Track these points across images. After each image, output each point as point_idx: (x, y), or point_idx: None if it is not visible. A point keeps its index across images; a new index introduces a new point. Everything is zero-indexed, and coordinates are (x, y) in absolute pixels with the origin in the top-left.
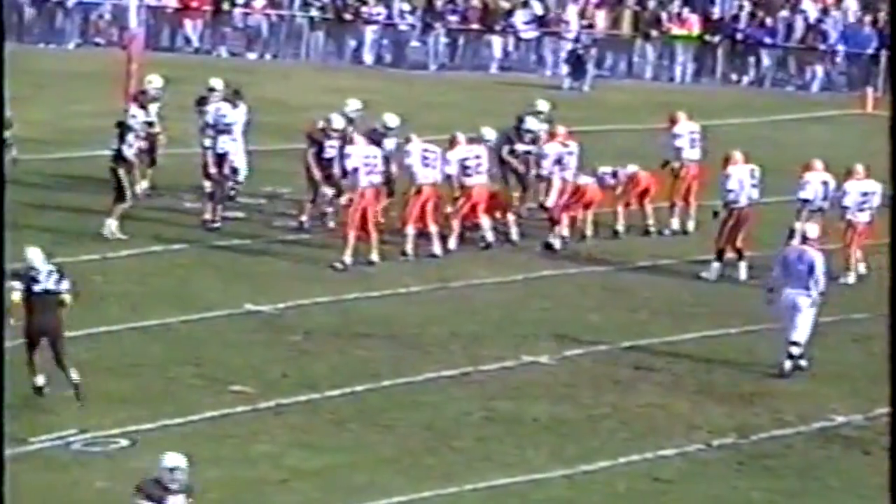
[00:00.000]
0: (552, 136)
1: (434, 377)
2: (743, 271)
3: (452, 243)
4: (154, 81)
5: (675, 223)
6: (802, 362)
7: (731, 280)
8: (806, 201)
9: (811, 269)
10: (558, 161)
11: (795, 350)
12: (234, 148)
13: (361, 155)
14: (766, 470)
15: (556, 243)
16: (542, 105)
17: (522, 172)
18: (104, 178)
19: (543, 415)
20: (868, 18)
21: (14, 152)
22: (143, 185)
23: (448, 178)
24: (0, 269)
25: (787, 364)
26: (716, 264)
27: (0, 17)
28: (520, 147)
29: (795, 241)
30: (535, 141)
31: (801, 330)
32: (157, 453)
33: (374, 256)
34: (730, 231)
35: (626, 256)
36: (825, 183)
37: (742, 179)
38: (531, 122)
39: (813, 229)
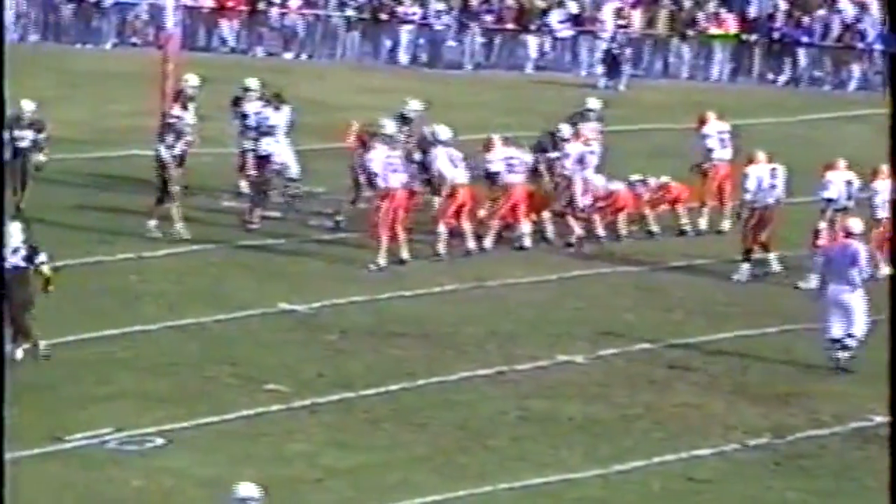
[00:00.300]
0: (577, 135)
1: (468, 376)
2: (775, 264)
3: (488, 243)
4: (191, 80)
5: (703, 223)
6: (846, 354)
7: (765, 280)
8: (830, 200)
9: (854, 261)
10: (580, 161)
11: (850, 342)
12: (279, 150)
13: (382, 158)
14: (802, 470)
15: (576, 239)
16: (593, 103)
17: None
18: (140, 178)
19: (578, 414)
20: None
21: (42, 157)
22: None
23: (486, 177)
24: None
25: (841, 354)
26: (745, 265)
27: (0, 17)
28: (553, 155)
29: (840, 237)
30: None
31: (858, 324)
32: (193, 452)
33: (405, 254)
34: (753, 230)
35: (659, 256)
36: (849, 182)
37: (762, 178)
38: (565, 130)
39: (857, 224)
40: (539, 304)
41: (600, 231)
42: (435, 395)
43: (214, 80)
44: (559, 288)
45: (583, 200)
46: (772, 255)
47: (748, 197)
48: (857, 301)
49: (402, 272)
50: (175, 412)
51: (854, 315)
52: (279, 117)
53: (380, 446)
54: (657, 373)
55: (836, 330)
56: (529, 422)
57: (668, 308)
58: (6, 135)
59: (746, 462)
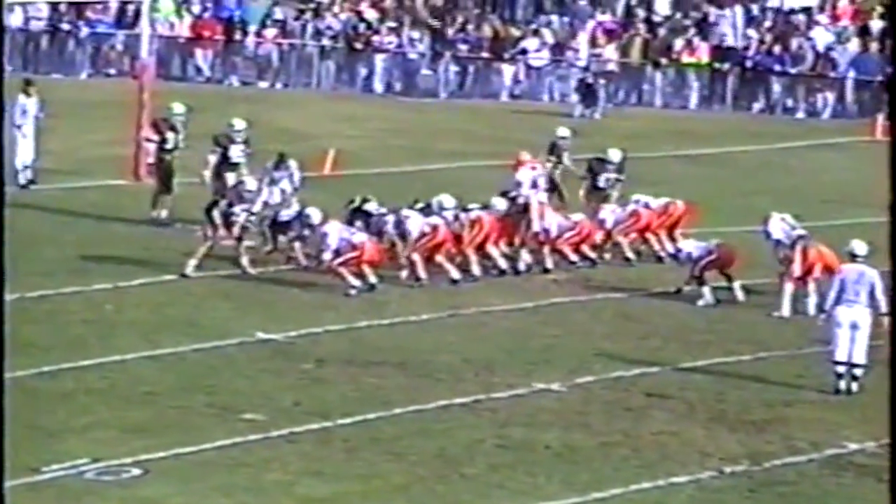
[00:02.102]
0: (520, 163)
1: (446, 405)
2: (739, 293)
3: (476, 270)
4: (175, 108)
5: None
6: (854, 385)
7: (742, 307)
8: (778, 242)
9: (872, 290)
10: (534, 185)
11: (858, 371)
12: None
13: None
14: (779, 497)
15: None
16: (563, 131)
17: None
18: (116, 207)
19: (555, 442)
20: (876, 46)
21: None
22: (162, 213)
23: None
24: (0, 273)
25: (843, 383)
26: (703, 289)
27: (0, 17)
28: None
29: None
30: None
31: (860, 348)
32: (170, 482)
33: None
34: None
35: (637, 283)
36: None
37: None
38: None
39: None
40: (516, 332)
41: (572, 257)
42: (412, 424)
43: (190, 109)
44: (536, 315)
45: (542, 224)
46: (736, 285)
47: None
48: (866, 321)
49: (379, 301)
50: (152, 442)
51: (859, 334)
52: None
53: (357, 475)
54: (635, 400)
55: (842, 353)
56: (507, 450)
57: (646, 335)
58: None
59: (724, 489)
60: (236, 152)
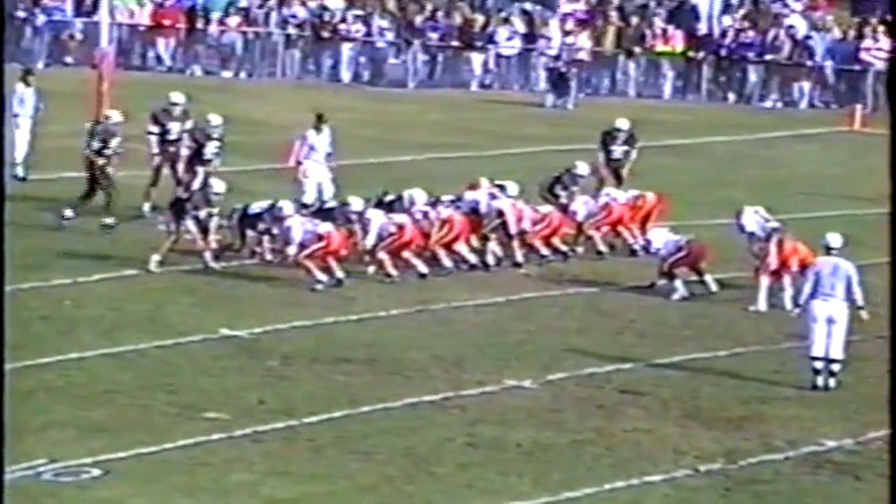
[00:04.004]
0: (473, 187)
1: (414, 402)
2: (712, 284)
3: (447, 262)
4: (174, 98)
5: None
6: (831, 381)
7: (718, 301)
8: (752, 234)
9: (849, 283)
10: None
11: (836, 367)
12: (318, 170)
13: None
14: (755, 496)
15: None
16: (622, 123)
17: None
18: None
19: (527, 440)
20: (853, 34)
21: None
22: (145, 206)
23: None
24: (1, 273)
25: (820, 379)
26: (676, 283)
27: (1, 17)
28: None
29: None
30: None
31: (837, 343)
32: (130, 482)
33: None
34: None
35: (609, 278)
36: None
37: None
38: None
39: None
40: (486, 328)
41: (543, 251)
42: (380, 423)
43: (151, 99)
44: (507, 310)
45: (518, 227)
46: (708, 277)
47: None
48: (843, 315)
49: (346, 296)
50: (112, 442)
51: (836, 328)
52: (321, 139)
53: (323, 475)
54: (608, 397)
55: (818, 349)
56: (477, 448)
57: (619, 331)
58: (155, 128)
59: (699, 488)
60: (211, 148)
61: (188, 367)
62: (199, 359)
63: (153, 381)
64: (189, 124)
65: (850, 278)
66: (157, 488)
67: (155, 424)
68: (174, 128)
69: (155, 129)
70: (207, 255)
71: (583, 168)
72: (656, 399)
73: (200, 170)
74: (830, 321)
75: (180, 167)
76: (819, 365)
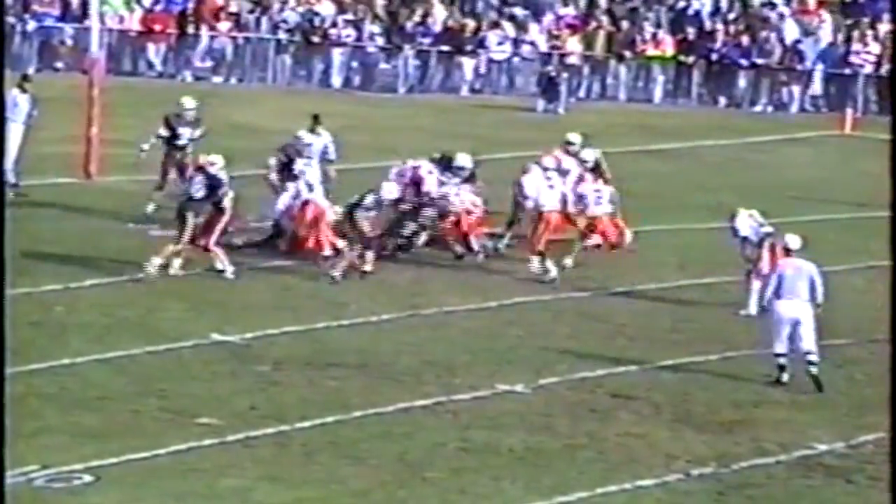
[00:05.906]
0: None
1: (406, 407)
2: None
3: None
4: (187, 104)
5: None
6: (814, 369)
7: (709, 306)
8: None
9: (812, 284)
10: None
11: (814, 358)
12: (312, 174)
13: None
14: (748, 500)
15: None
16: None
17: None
18: (67, 205)
19: (519, 445)
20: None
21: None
22: (149, 208)
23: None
24: (1, 272)
25: (785, 375)
26: (547, 264)
27: (1, 17)
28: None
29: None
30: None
31: (808, 338)
32: (122, 489)
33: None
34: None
35: (601, 282)
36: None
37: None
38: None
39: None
40: (478, 333)
41: (475, 244)
42: (372, 427)
43: (142, 104)
44: (498, 315)
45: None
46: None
47: (529, 204)
48: (808, 315)
49: (338, 301)
50: (104, 448)
51: (803, 328)
52: (318, 143)
53: (316, 481)
54: (600, 401)
55: (781, 346)
56: (469, 453)
57: (611, 335)
58: (165, 132)
59: (691, 492)
60: (187, 133)
61: (180, 373)
62: (190, 364)
63: (145, 387)
64: (200, 131)
65: (812, 279)
66: (148, 494)
67: (147, 430)
68: (185, 133)
69: (165, 132)
70: (177, 262)
71: (464, 159)
72: (648, 403)
73: (176, 154)
74: (796, 322)
75: (188, 172)
76: (783, 361)
